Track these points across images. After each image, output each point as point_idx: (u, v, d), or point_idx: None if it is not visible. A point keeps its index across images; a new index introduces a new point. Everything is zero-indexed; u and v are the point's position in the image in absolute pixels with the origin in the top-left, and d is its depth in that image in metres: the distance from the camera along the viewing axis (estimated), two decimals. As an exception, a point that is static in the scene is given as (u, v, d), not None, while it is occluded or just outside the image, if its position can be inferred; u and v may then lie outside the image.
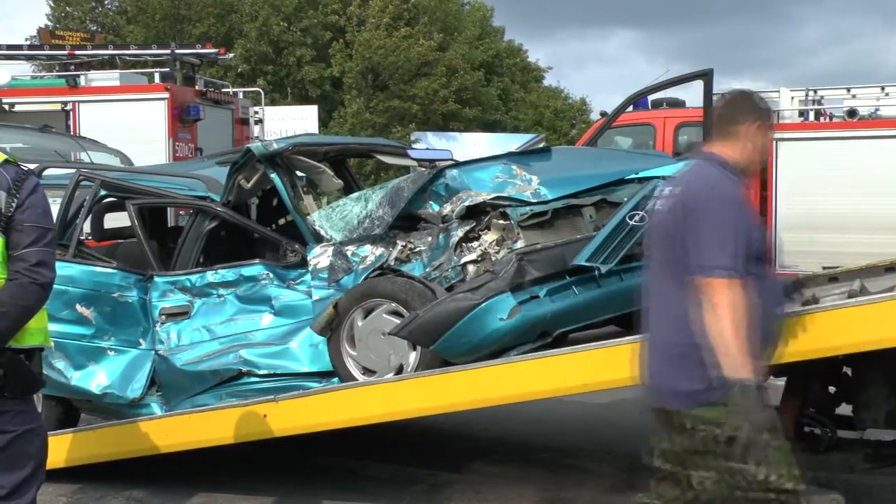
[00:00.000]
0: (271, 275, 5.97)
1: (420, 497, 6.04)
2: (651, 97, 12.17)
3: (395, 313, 5.43)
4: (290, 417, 5.51)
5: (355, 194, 6.07)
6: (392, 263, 5.64)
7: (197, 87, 14.59)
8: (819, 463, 5.29)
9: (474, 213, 5.57)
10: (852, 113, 11.83)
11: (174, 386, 6.10)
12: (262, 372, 5.89)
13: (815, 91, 12.84)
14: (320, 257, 5.82)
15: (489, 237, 5.46)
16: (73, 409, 6.58)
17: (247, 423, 5.56)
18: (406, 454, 6.97)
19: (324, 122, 35.48)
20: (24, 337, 3.50)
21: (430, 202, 5.74)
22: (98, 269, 6.21)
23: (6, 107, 13.63)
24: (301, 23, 40.15)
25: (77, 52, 16.19)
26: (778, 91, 13.07)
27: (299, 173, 6.29)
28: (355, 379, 5.55)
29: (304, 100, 37.03)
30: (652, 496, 3.75)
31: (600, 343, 5.03)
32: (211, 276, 6.09)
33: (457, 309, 5.09)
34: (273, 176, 6.03)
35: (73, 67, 15.65)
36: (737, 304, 3.32)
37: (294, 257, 5.95)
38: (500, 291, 5.07)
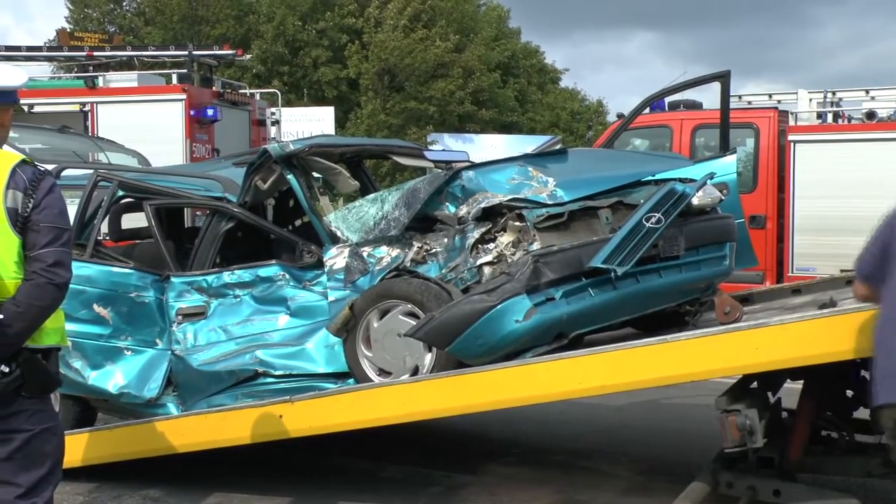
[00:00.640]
0: (287, 276, 5.98)
1: (436, 499, 6.04)
2: (668, 99, 12.13)
3: (411, 315, 5.42)
4: (305, 418, 5.51)
5: (371, 195, 6.06)
6: (408, 265, 5.63)
7: (214, 89, 14.66)
8: (836, 467, 5.28)
9: (490, 215, 5.56)
10: (871, 115, 11.76)
11: (190, 386, 6.12)
12: (277, 372, 5.90)
13: (834, 93, 12.78)
14: (336, 258, 5.83)
15: (505, 239, 5.45)
16: (90, 409, 6.61)
17: (263, 424, 5.57)
18: (421, 455, 6.98)
19: (340, 124, 35.55)
20: (40, 337, 3.52)
21: (447, 204, 5.73)
22: (115, 269, 6.24)
23: (25, 108, 13.71)
24: (317, 24, 40.22)
25: (95, 54, 16.30)
26: (796, 93, 13.02)
27: (316, 174, 6.30)
28: (371, 380, 5.55)
29: (319, 101, 37.10)
30: None
31: (617, 345, 5.02)
32: (227, 277, 6.10)
33: (473, 311, 5.08)
34: (289, 177, 6.04)
35: (91, 69, 15.75)
36: None
37: (310, 258, 5.96)
38: (516, 293, 5.05)
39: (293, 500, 6.04)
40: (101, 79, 14.59)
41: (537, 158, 6.21)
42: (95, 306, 6.12)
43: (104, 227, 6.80)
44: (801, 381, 5.16)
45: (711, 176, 6.24)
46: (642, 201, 5.60)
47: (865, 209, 11.32)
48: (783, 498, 4.90)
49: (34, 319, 3.44)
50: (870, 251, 4.07)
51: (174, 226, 7.12)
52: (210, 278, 6.13)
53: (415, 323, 5.30)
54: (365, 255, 5.77)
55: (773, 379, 5.19)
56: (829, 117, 12.52)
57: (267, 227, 6.57)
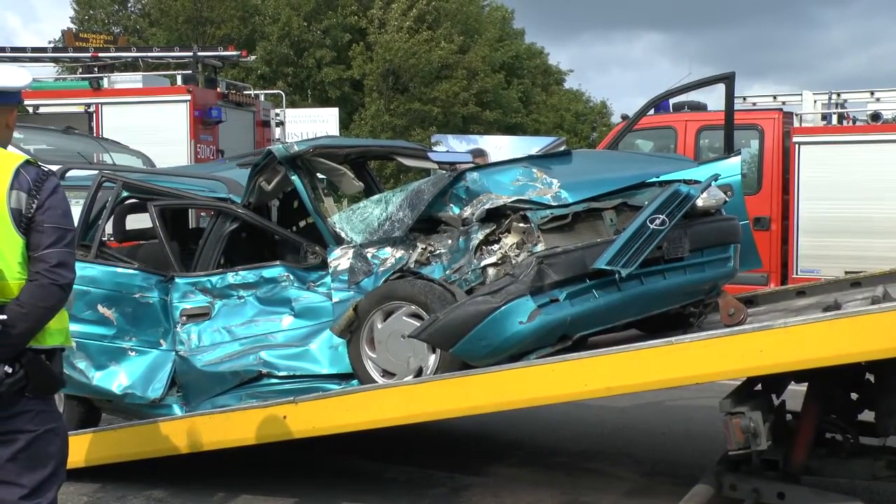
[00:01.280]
0: (291, 276, 5.98)
1: (439, 500, 6.04)
2: (672, 100, 12.12)
3: (415, 316, 5.42)
4: (309, 419, 5.51)
5: (376, 197, 6.06)
6: (412, 266, 5.63)
7: (219, 90, 14.68)
8: (841, 469, 5.26)
9: (494, 216, 5.55)
10: (876, 116, 11.75)
11: (195, 387, 6.12)
12: (281, 373, 5.90)
13: (839, 94, 12.76)
14: (340, 259, 5.83)
15: (509, 240, 5.44)
16: (95, 410, 6.62)
17: (267, 425, 5.57)
18: (425, 457, 6.97)
19: (344, 125, 35.54)
20: (44, 337, 3.52)
21: (451, 205, 5.73)
22: (120, 269, 6.25)
23: (30, 109, 13.74)
24: (321, 24, 40.23)
25: (100, 55, 16.33)
26: (801, 94, 13.00)
27: (320, 175, 6.30)
28: (375, 381, 5.55)
29: (323, 102, 37.11)
30: None
31: (621, 347, 5.01)
32: (231, 278, 6.11)
33: (476, 312, 5.08)
34: (294, 178, 6.04)
35: (96, 70, 15.78)
36: None
37: (314, 259, 5.97)
38: (520, 295, 5.05)
39: (297, 500, 6.04)
40: (105, 80, 14.62)
41: (541, 160, 6.21)
42: (100, 307, 6.13)
43: (109, 228, 6.80)
44: (806, 384, 5.15)
45: (716, 177, 6.23)
46: (647, 203, 5.59)
47: (870, 211, 11.44)
48: (787, 500, 4.89)
49: (38, 320, 3.44)
50: None
51: (178, 227, 7.12)
52: (214, 279, 6.13)
53: (419, 324, 5.30)
54: (369, 256, 5.77)
55: (777, 381, 5.18)
56: (834, 119, 12.50)
57: (271, 228, 6.57)
